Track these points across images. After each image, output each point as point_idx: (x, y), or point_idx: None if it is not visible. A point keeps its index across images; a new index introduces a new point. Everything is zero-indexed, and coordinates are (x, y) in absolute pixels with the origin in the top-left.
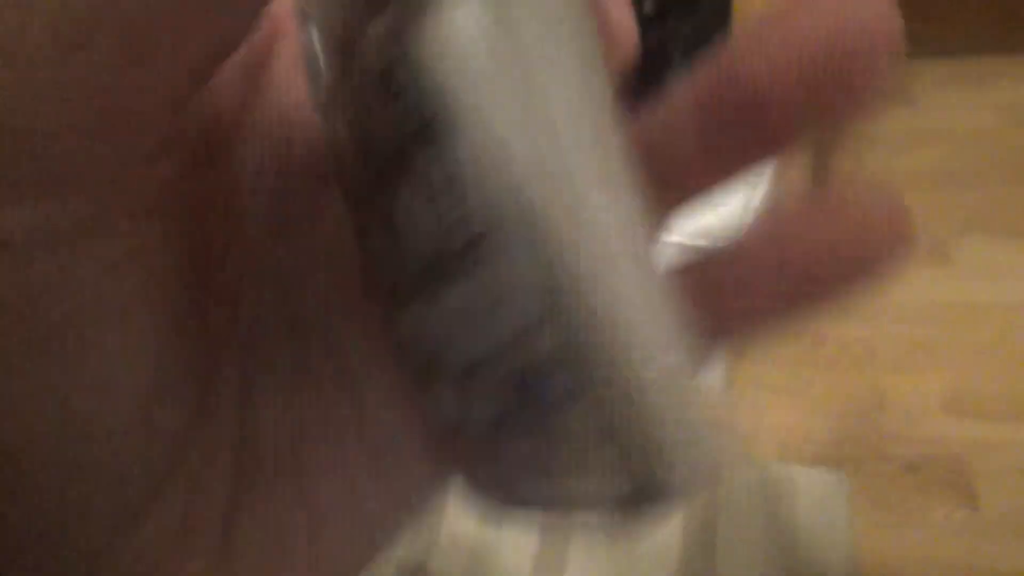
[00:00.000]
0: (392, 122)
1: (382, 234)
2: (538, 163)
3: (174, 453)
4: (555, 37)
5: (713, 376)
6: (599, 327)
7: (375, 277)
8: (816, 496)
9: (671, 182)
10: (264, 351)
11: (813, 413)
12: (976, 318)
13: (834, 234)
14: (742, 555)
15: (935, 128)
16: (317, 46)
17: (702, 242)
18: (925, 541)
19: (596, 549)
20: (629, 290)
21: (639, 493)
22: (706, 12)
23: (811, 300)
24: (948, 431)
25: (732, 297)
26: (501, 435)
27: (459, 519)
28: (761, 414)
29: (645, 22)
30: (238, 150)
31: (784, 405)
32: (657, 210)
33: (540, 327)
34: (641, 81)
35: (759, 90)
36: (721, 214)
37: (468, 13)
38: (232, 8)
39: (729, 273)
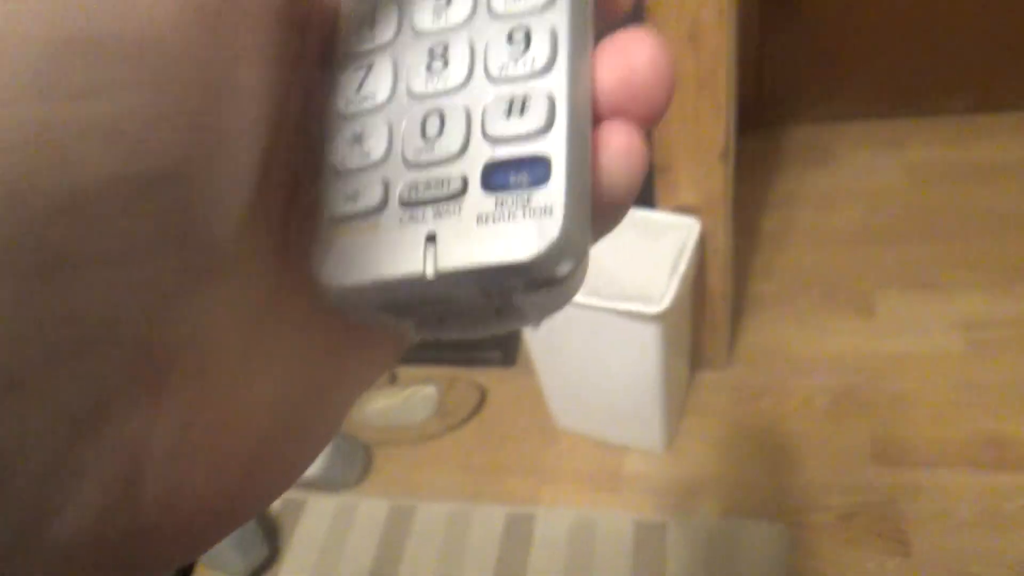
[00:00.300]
0: None
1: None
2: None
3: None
4: None
5: (655, 432)
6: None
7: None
8: (757, 549)
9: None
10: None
11: (752, 466)
12: (898, 368)
13: None
14: None
15: (853, 188)
16: None
17: (637, 305)
18: None
19: None
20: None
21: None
22: None
23: None
24: (879, 479)
25: None
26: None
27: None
28: (703, 469)
29: None
30: None
31: (725, 459)
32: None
33: None
34: None
35: None
36: (651, 277)
37: None
38: None
39: None
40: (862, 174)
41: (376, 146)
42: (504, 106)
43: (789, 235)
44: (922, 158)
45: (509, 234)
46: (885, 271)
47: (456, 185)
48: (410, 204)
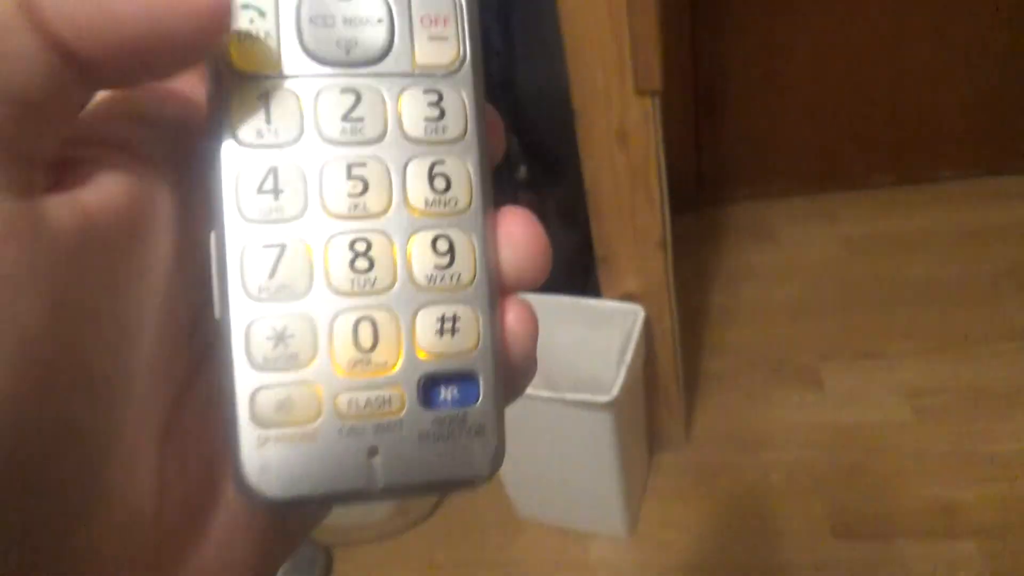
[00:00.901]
0: None
1: None
2: None
3: None
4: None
5: (618, 517)
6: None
7: None
8: None
9: None
10: None
11: (716, 548)
12: (850, 439)
13: None
14: None
15: (793, 262)
16: None
17: (588, 395)
18: None
19: None
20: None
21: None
22: (572, 179)
23: None
24: (839, 554)
25: None
26: None
27: None
28: (668, 552)
29: (518, 186)
30: None
31: (689, 542)
32: None
33: None
34: None
35: None
36: (601, 365)
37: None
38: None
39: None
40: (800, 248)
41: (304, 351)
42: (436, 324)
43: (735, 311)
44: (855, 230)
45: (452, 453)
46: (829, 343)
47: (397, 403)
48: (349, 418)
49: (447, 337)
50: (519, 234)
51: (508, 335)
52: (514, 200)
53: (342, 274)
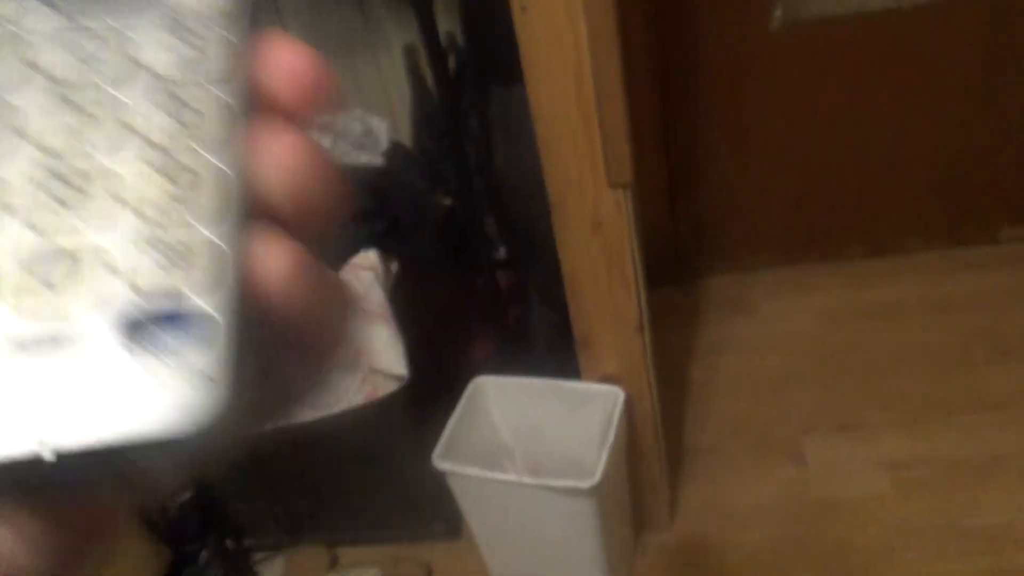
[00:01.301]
0: None
1: None
2: None
3: None
4: None
5: None
6: None
7: None
8: None
9: None
10: None
11: None
12: (833, 515)
13: None
14: None
15: (770, 333)
16: None
17: (570, 481)
18: None
19: None
20: None
21: None
22: (550, 259)
23: None
24: None
25: None
26: None
27: None
28: None
29: (497, 266)
30: None
31: None
32: None
33: None
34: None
35: None
36: (583, 448)
37: None
38: None
39: None
40: (777, 320)
41: None
42: (155, 254)
43: (716, 384)
44: (829, 302)
45: (152, 402)
46: (809, 415)
47: (79, 338)
48: (15, 366)
49: (172, 270)
50: (285, 60)
51: (267, 162)
52: (492, 280)
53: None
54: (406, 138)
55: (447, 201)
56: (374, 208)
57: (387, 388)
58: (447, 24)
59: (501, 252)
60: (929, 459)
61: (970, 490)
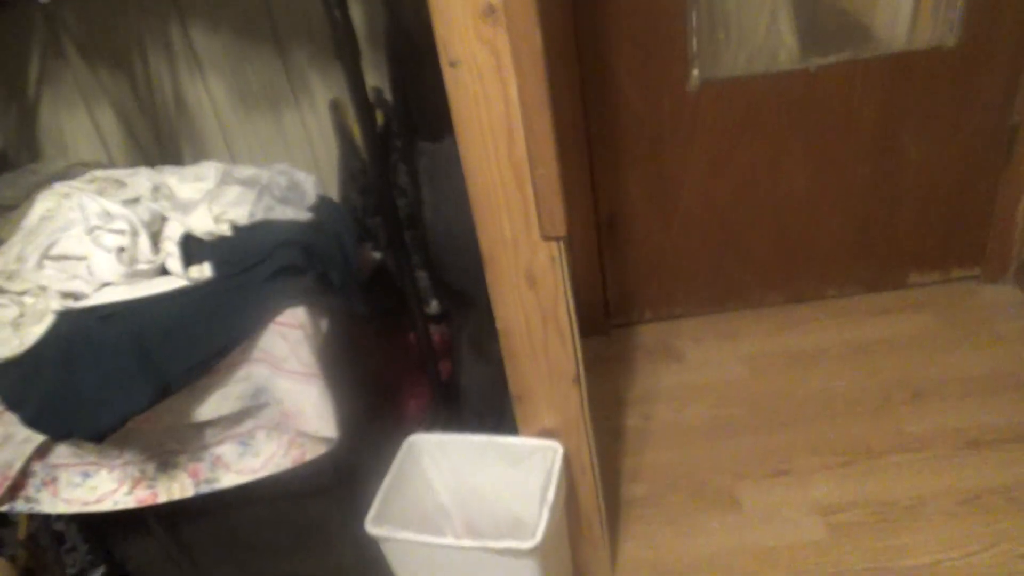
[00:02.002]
0: None
1: None
2: None
3: None
4: None
5: None
6: None
7: None
8: None
9: None
10: None
11: None
12: (770, 562)
13: None
14: None
15: (700, 381)
16: None
17: (511, 542)
18: None
19: None
20: None
21: None
22: (482, 311)
23: None
24: None
25: None
26: None
27: None
28: None
29: (430, 320)
30: None
31: None
32: None
33: None
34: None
35: None
36: (523, 505)
37: None
38: None
39: None
40: (706, 367)
41: None
42: None
43: (650, 433)
44: (754, 348)
45: None
46: (743, 462)
47: None
48: None
49: None
50: None
51: None
52: (425, 335)
53: None
54: (333, 192)
55: (376, 255)
56: (302, 264)
57: (316, 451)
58: (373, 79)
59: (433, 306)
60: (859, 502)
61: (900, 533)
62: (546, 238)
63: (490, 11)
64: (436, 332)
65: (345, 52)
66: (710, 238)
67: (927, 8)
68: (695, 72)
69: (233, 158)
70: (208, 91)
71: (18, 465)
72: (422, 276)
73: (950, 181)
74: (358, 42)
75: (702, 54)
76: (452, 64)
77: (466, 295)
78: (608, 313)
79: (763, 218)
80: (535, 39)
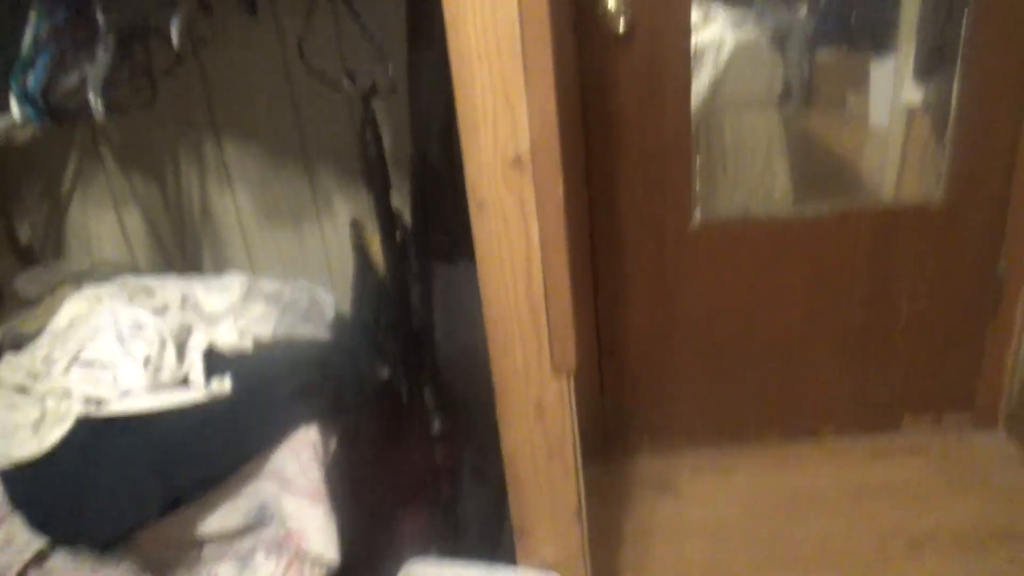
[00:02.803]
0: None
1: None
2: None
3: None
4: None
5: None
6: None
7: None
8: None
9: None
10: None
11: None
12: None
13: None
14: None
15: (697, 519)
16: None
17: None
18: None
19: None
20: None
21: None
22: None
23: None
24: None
25: None
26: None
27: None
28: None
29: (433, 441)
30: None
31: None
32: None
33: None
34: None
35: None
36: None
37: None
38: None
39: None
40: (702, 504)
41: None
42: None
43: (647, 570)
44: (751, 486)
45: None
46: None
47: None
48: None
49: None
50: None
51: None
52: (428, 455)
53: None
54: (345, 307)
55: (385, 373)
56: (319, 384)
57: (315, 574)
58: (394, 200)
59: (436, 427)
60: None
61: None
62: (557, 371)
63: (518, 161)
64: (438, 453)
65: (376, 182)
66: (709, 371)
67: (913, 164)
68: (697, 212)
69: (253, 267)
70: (235, 202)
71: (14, 571)
72: (428, 394)
73: (941, 329)
74: (388, 173)
75: (704, 196)
76: (479, 205)
77: (470, 418)
78: (607, 440)
79: (761, 353)
80: (557, 188)
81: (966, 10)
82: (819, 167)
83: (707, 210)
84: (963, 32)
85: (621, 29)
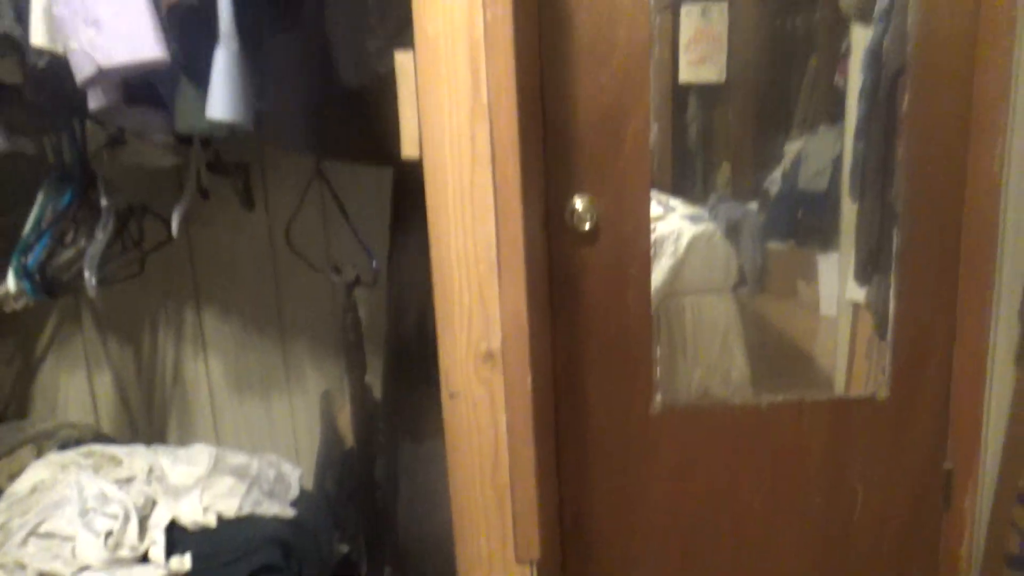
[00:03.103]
0: None
1: None
2: None
3: None
4: None
5: None
6: None
7: None
8: None
9: None
10: None
11: None
12: None
13: None
14: None
15: None
16: None
17: None
18: None
19: None
20: None
21: None
22: None
23: None
24: None
25: None
26: None
27: None
28: None
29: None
30: None
31: None
32: None
33: None
34: None
35: None
36: None
37: None
38: None
39: None
40: None
41: None
42: None
43: None
44: None
45: None
46: None
47: None
48: None
49: None
50: None
51: None
52: None
53: None
54: (309, 477)
55: (344, 548)
56: (280, 565)
57: None
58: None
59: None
60: None
61: None
62: (520, 561)
63: (489, 356)
64: None
65: (354, 366)
66: (671, 549)
67: (861, 357)
68: (658, 398)
69: (218, 436)
70: (207, 370)
71: None
72: (387, 572)
73: (897, 518)
74: (365, 357)
75: (664, 381)
76: (451, 396)
77: None
78: None
79: (723, 533)
80: (526, 382)
81: (896, 223)
82: (775, 352)
83: (668, 395)
84: (895, 243)
85: (587, 227)
